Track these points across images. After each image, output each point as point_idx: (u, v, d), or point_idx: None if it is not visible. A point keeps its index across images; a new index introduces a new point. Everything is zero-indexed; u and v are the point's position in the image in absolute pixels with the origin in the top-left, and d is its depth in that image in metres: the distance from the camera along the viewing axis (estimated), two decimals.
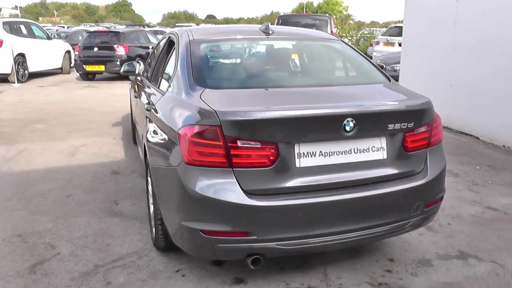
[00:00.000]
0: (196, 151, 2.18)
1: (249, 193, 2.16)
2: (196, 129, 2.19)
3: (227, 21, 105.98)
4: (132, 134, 5.65)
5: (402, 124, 2.42)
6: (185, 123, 2.26)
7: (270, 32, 3.25)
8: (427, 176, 2.56)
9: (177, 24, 43.98)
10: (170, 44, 3.75)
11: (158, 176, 2.58)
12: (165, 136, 2.52)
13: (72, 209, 3.71)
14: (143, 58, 12.20)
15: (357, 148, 2.36)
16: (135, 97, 4.53)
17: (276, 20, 13.27)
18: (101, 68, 11.67)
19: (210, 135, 2.15)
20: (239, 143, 2.15)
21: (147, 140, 2.89)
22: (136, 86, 4.76)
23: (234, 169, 2.16)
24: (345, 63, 3.17)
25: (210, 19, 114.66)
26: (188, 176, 2.19)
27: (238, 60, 3.23)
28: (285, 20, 13.22)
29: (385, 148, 2.43)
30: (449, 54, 6.59)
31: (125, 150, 5.46)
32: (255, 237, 2.19)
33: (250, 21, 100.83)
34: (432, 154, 2.63)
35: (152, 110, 2.97)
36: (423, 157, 2.58)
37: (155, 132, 2.77)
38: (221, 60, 3.05)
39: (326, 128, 2.27)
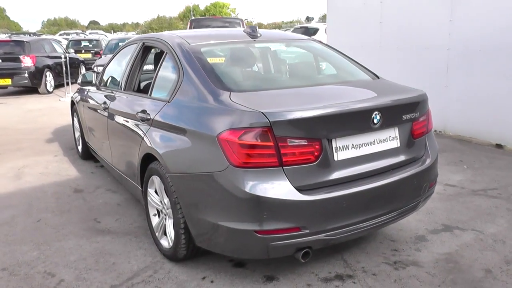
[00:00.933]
0: (245, 154, 2.18)
1: (299, 189, 2.22)
2: (244, 131, 2.19)
3: (112, 27, 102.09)
4: (81, 150, 5.27)
5: (411, 114, 2.67)
6: (227, 127, 2.23)
7: (258, 35, 3.32)
8: (430, 159, 2.84)
9: (63, 32, 41.19)
10: (146, 50, 3.63)
11: (185, 184, 2.49)
12: (191, 143, 2.45)
13: (50, 234, 3.39)
14: (51, 68, 11.34)
15: (379, 139, 2.55)
16: (94, 109, 4.26)
17: (189, 24, 13.22)
18: (7, 81, 10.57)
19: (260, 137, 2.17)
20: (288, 142, 2.20)
21: (155, 151, 2.75)
22: (90, 98, 4.47)
23: (284, 167, 2.21)
24: (332, 61, 3.35)
25: (94, 25, 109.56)
26: (240, 179, 2.18)
27: (245, 63, 3.23)
28: (198, 23, 13.24)
29: (398, 137, 2.65)
30: (377, 51, 7.19)
31: (75, 167, 5.08)
32: (308, 230, 2.25)
33: (136, 26, 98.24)
34: (429, 140, 2.92)
35: (153, 119, 2.85)
36: (423, 143, 2.86)
37: (168, 141, 2.67)
38: (229, 64, 3.02)
39: (358, 122, 2.43)
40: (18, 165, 5.20)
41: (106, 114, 3.82)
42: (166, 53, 3.09)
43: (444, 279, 2.71)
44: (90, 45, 16.49)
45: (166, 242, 2.91)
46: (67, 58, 10.59)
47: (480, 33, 5.90)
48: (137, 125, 3.10)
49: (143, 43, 3.59)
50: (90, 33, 33.94)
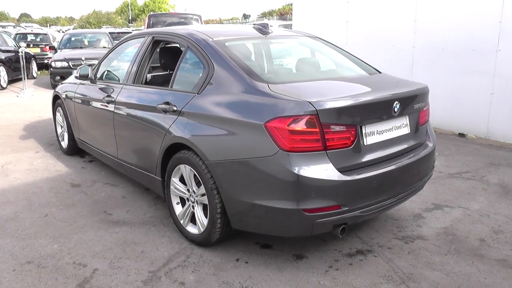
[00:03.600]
0: (294, 139, 2.37)
1: (339, 171, 2.45)
2: (292, 119, 2.38)
3: (45, 20, 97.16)
4: (66, 145, 5.16)
5: (420, 104, 2.99)
6: (275, 115, 2.41)
7: (270, 32, 3.51)
8: (432, 143, 3.19)
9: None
10: (155, 44, 3.68)
11: (226, 170, 2.62)
12: (231, 131, 2.59)
13: (64, 227, 3.38)
14: (4, 63, 10.74)
15: (395, 126, 2.84)
16: (92, 103, 4.23)
17: (147, 19, 13.05)
18: None
19: (307, 124, 2.37)
20: (331, 129, 2.42)
21: (187, 140, 2.85)
22: (84, 92, 4.43)
23: (327, 151, 2.43)
24: (342, 57, 3.60)
25: (26, 17, 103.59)
26: (289, 162, 2.37)
27: (268, 57, 3.38)
28: (156, 18, 13.10)
29: (408, 124, 2.96)
30: (343, 48, 7.58)
31: (62, 162, 4.98)
32: (347, 208, 2.48)
33: (71, 20, 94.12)
34: (428, 127, 3.27)
35: (182, 111, 2.94)
36: (425, 130, 3.19)
37: (202, 130, 2.78)
38: (255, 58, 3.16)
39: (383, 110, 2.70)
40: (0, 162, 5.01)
41: (111, 107, 3.82)
42: (188, 47, 3.19)
43: (449, 248, 3.06)
44: (38, 39, 15.72)
45: (194, 229, 3.03)
46: (23, 52, 10.10)
47: (442, 33, 6.45)
48: (158, 116, 3.17)
49: (153, 37, 3.64)
50: (26, 27, 32.11)
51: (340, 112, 2.47)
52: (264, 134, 2.43)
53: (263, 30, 3.50)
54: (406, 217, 3.57)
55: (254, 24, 3.65)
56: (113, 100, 3.79)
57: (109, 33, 13.86)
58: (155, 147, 3.22)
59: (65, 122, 5.06)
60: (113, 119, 3.79)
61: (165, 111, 3.11)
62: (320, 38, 3.87)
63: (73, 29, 29.33)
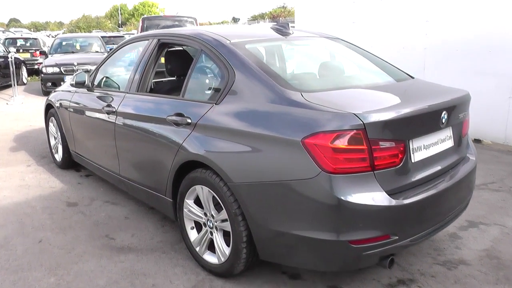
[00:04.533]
0: (338, 159, 2.03)
1: (388, 194, 2.11)
2: (336, 135, 2.03)
3: (35, 25, 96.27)
4: (61, 159, 4.76)
5: (464, 113, 2.66)
6: (314, 130, 2.06)
7: (291, 32, 3.16)
8: (474, 156, 2.85)
9: None
10: (161, 48, 3.32)
11: (254, 193, 2.27)
12: (261, 149, 2.23)
13: (61, 256, 2.99)
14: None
15: (440, 139, 2.50)
16: (89, 113, 3.84)
17: (141, 23, 12.65)
18: None
19: (354, 140, 2.03)
20: (380, 145, 2.08)
21: (205, 158, 2.49)
22: (81, 101, 4.04)
23: (375, 172, 2.08)
24: (368, 60, 3.25)
25: (16, 23, 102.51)
26: (333, 186, 2.02)
27: (295, 61, 3.03)
28: (150, 21, 12.71)
29: (452, 136, 2.62)
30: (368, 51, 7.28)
31: (57, 177, 4.58)
32: (396, 237, 2.14)
33: (61, 25, 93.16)
34: (468, 138, 2.94)
35: (197, 123, 2.58)
36: (466, 141, 2.86)
37: (224, 147, 2.42)
38: (278, 62, 2.81)
39: (431, 122, 2.37)
40: None
41: (111, 118, 3.44)
42: (202, 51, 2.83)
43: (497, 276, 2.72)
44: (27, 44, 15.22)
45: (213, 258, 2.66)
46: (12, 58, 9.65)
47: (456, 33, 6.16)
48: (169, 130, 2.80)
49: (158, 39, 3.27)
50: (15, 32, 31.50)
51: (389, 125, 2.13)
52: (301, 152, 2.07)
53: (283, 30, 3.15)
54: (442, 237, 3.23)
55: (272, 24, 3.29)
56: (114, 110, 3.40)
57: (101, 37, 13.43)
58: (165, 164, 2.85)
59: (59, 134, 4.66)
60: (115, 131, 3.41)
61: (177, 124, 2.74)
62: (341, 39, 3.52)
63: (63, 33, 28.71)
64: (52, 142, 4.96)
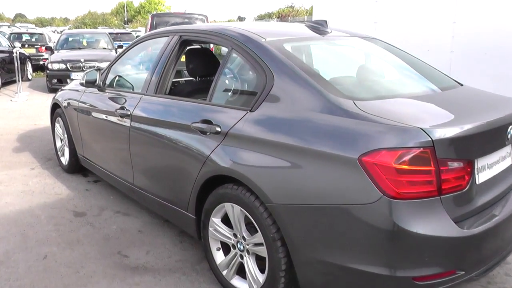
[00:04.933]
0: (404, 181, 1.71)
1: (455, 222, 1.78)
2: (401, 152, 1.71)
3: (40, 21, 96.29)
4: (68, 162, 4.43)
5: None
6: (374, 146, 1.74)
7: (329, 31, 2.83)
8: None
9: None
10: (183, 46, 2.99)
11: (298, 217, 1.94)
12: (308, 165, 1.91)
13: (68, 276, 2.67)
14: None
15: (501, 156, 2.18)
16: (100, 115, 3.52)
17: (150, 19, 12.33)
18: None
19: (420, 159, 1.72)
20: (448, 165, 1.76)
21: (239, 173, 2.16)
22: (91, 102, 3.71)
23: (442, 196, 1.76)
24: (412, 63, 2.91)
25: (21, 18, 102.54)
26: (396, 213, 1.70)
27: (339, 63, 2.71)
28: (159, 18, 12.38)
29: (511, 153, 2.29)
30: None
31: (63, 183, 4.26)
32: (463, 272, 1.82)
33: (66, 21, 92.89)
34: None
35: (229, 132, 2.26)
36: None
37: (262, 161, 2.09)
38: (322, 64, 2.48)
39: (497, 137, 2.06)
40: None
41: (125, 122, 3.12)
42: (233, 50, 2.49)
43: None
44: (33, 39, 14.92)
45: (243, 284, 2.34)
46: (17, 53, 9.34)
47: (485, 36, 5.81)
48: (194, 138, 2.47)
49: (180, 36, 2.94)
50: (21, 27, 31.26)
51: (458, 142, 1.83)
52: (358, 172, 1.75)
53: (320, 29, 2.82)
54: None
55: (306, 21, 2.96)
56: (128, 113, 3.07)
57: (109, 33, 13.13)
58: (188, 177, 2.52)
59: (65, 135, 4.34)
60: (129, 137, 3.08)
61: (203, 132, 2.41)
62: (380, 40, 3.18)
63: (69, 29, 28.39)
64: (58, 144, 4.64)
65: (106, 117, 3.42)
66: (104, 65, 10.00)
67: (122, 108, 3.16)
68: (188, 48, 3.05)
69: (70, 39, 11.87)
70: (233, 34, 2.53)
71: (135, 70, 3.68)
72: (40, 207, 3.69)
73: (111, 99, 3.40)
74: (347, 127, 1.86)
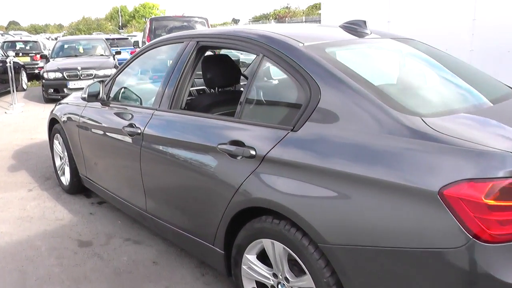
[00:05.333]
0: (497, 221, 1.36)
1: None
2: (491, 184, 1.35)
3: (34, 28, 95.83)
4: (69, 182, 4.05)
5: None
6: (457, 177, 1.39)
7: (368, 32, 2.47)
8: None
9: None
10: (200, 53, 2.61)
11: (365, 261, 1.57)
12: (371, 199, 1.56)
13: None
14: None
15: None
16: (105, 133, 3.14)
17: (149, 24, 11.95)
18: None
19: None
20: None
21: (282, 207, 1.79)
22: (94, 118, 3.33)
23: None
24: (460, 67, 2.54)
25: (15, 25, 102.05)
26: (493, 261, 1.36)
27: (392, 71, 2.33)
28: (158, 22, 12.01)
29: None
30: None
31: (64, 206, 3.87)
32: None
33: (60, 27, 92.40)
34: None
35: (266, 156, 1.89)
36: None
37: (312, 191, 1.72)
38: (371, 73, 2.11)
39: None
40: None
41: (136, 141, 2.74)
42: (264, 57, 2.12)
43: None
44: (27, 47, 14.50)
45: None
46: (11, 62, 8.94)
47: (508, 33, 5.47)
48: (222, 162, 2.10)
49: (197, 42, 2.57)
50: (14, 35, 30.83)
51: None
52: (438, 208, 1.40)
53: (358, 30, 2.45)
54: None
55: (342, 22, 2.59)
56: (139, 131, 2.69)
57: (105, 39, 12.73)
58: (215, 207, 2.15)
59: (65, 153, 3.95)
60: (140, 158, 2.71)
61: (233, 155, 2.04)
62: (423, 43, 2.82)
63: (63, 36, 27.96)
64: (58, 162, 4.25)
65: (112, 135, 3.04)
66: (102, 72, 9.67)
67: (131, 125, 2.78)
68: (205, 55, 2.67)
69: (66, 46, 11.47)
70: (264, 38, 2.15)
71: (143, 81, 3.31)
72: (40, 236, 3.31)
73: (117, 114, 3.02)
74: (420, 152, 1.50)
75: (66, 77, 9.27)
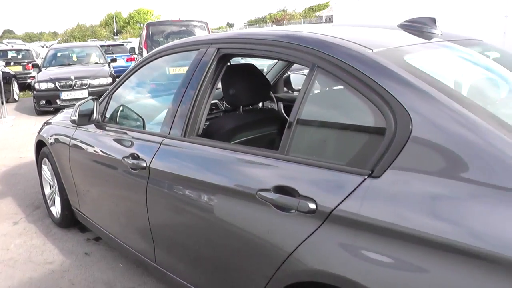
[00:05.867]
0: None
1: None
2: None
3: (29, 36, 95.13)
4: (61, 215, 3.46)
5: None
6: None
7: (439, 33, 1.91)
8: None
9: None
10: (222, 62, 2.04)
11: None
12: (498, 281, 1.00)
13: None
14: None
15: None
16: (101, 163, 2.56)
17: (146, 29, 11.36)
18: None
19: None
20: None
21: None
22: (87, 143, 2.75)
23: None
24: None
25: (10, 34, 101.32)
26: None
27: (482, 83, 1.77)
28: (155, 27, 11.42)
29: None
30: None
31: (54, 244, 3.29)
32: None
33: (55, 35, 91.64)
34: None
35: (333, 215, 1.32)
36: None
37: (407, 267, 1.16)
38: (475, 92, 1.56)
39: None
40: None
41: (140, 177, 2.16)
42: (317, 68, 1.55)
43: None
44: (19, 56, 13.89)
45: None
46: (1, 72, 8.35)
47: None
48: (265, 216, 1.52)
49: (218, 49, 1.99)
50: (9, 43, 30.22)
51: None
52: None
53: (424, 30, 1.90)
54: None
55: (403, 21, 2.02)
56: (144, 165, 2.11)
57: (100, 46, 12.14)
58: (253, 274, 1.58)
59: (55, 181, 3.37)
60: (147, 199, 2.13)
61: (281, 208, 1.46)
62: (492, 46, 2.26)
63: (58, 43, 27.24)
64: (47, 190, 3.67)
65: (109, 165, 2.46)
66: (97, 82, 9.08)
67: (134, 156, 2.20)
68: (229, 66, 2.10)
69: (58, 54, 10.88)
70: (318, 43, 1.58)
71: (147, 98, 2.73)
72: (25, 286, 2.72)
73: (116, 140, 2.45)
74: None
75: (58, 87, 8.68)
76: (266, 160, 1.60)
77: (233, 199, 1.66)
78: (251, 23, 54.63)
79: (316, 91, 1.68)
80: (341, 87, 1.52)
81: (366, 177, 1.30)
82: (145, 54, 10.04)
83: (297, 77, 4.02)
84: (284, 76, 3.70)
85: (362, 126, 1.50)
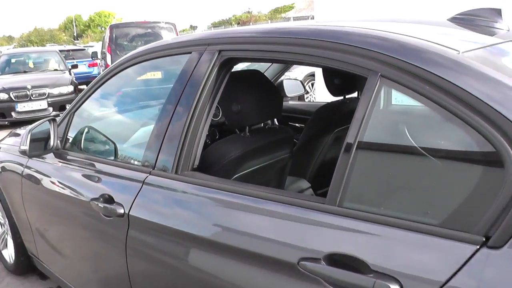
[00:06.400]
0: None
1: None
2: None
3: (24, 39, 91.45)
4: (14, 259, 2.81)
5: None
6: None
7: (507, 29, 1.49)
8: None
9: None
10: (224, 69, 1.50)
11: None
12: None
13: None
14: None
15: None
16: (66, 204, 1.97)
17: (109, 32, 10.60)
18: None
19: None
20: None
21: None
22: (50, 179, 2.14)
23: None
24: None
25: None
26: None
27: None
28: (119, 29, 10.70)
29: None
30: None
31: None
32: None
33: (10, 39, 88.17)
34: None
35: None
36: None
37: None
38: None
39: None
40: None
41: (116, 227, 1.59)
42: (380, 78, 1.04)
43: None
44: None
45: None
46: None
47: None
48: None
49: (219, 51, 1.44)
50: None
51: None
52: None
53: (490, 26, 1.48)
54: None
55: (454, 15, 1.59)
56: (121, 212, 1.54)
57: (59, 51, 11.28)
58: None
59: (6, 221, 2.72)
60: (126, 252, 1.56)
61: (338, 285, 0.94)
62: None
63: (14, 48, 25.67)
64: None
65: (73, 208, 1.87)
66: (57, 91, 8.27)
67: (106, 198, 1.62)
68: (237, 76, 1.56)
69: (13, 60, 9.97)
70: (379, 44, 1.07)
71: (121, 118, 2.14)
72: None
73: (83, 176, 1.85)
74: None
75: (13, 98, 7.83)
76: (308, 214, 1.07)
77: (260, 269, 1.12)
78: (216, 25, 53.99)
79: (378, 112, 1.16)
80: (420, 104, 1.02)
81: (478, 246, 0.81)
82: (108, 59, 9.32)
83: (291, 83, 3.53)
84: (277, 82, 3.21)
85: (463, 165, 1.00)
